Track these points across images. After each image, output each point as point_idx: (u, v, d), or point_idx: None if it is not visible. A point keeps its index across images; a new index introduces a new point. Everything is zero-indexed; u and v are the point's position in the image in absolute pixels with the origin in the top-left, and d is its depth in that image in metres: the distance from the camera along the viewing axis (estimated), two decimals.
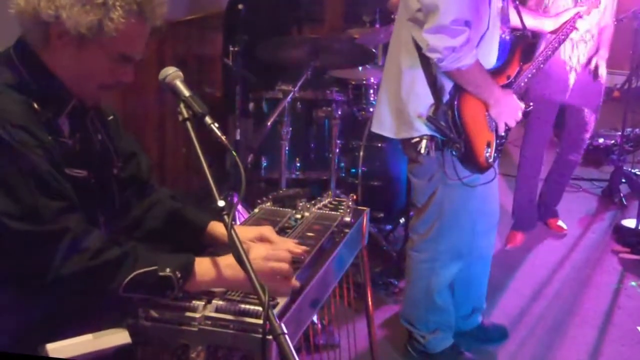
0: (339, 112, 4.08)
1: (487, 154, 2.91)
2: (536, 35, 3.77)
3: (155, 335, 1.66)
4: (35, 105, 1.67)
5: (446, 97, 2.82)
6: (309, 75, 3.90)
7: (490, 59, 2.93)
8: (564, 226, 4.76)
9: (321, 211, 2.28)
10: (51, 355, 1.53)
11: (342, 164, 4.22)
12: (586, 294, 3.97)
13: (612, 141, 6.17)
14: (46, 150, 1.64)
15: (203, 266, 1.71)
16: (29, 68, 1.71)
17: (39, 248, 1.58)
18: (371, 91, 4.45)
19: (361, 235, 2.37)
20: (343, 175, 4.22)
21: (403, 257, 4.00)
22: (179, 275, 1.65)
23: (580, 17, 3.45)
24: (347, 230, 2.21)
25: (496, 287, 3.98)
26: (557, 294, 3.96)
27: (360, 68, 4.69)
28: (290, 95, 3.85)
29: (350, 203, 2.33)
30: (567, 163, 4.63)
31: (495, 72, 2.95)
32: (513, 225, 4.59)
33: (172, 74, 1.77)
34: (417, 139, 2.88)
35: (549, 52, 3.25)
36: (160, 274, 1.63)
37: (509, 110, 2.94)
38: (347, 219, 2.24)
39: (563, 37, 3.37)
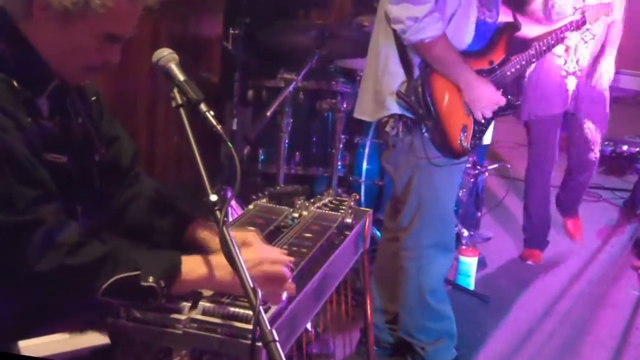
0: (344, 105, 4.08)
1: (462, 138, 2.93)
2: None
3: (137, 337, 1.65)
4: (15, 84, 1.66)
5: (416, 72, 2.88)
6: (314, 63, 3.90)
7: (463, 39, 2.96)
8: (579, 232, 4.71)
9: (320, 211, 2.28)
10: (23, 353, 1.53)
11: (346, 161, 4.22)
12: (602, 312, 3.98)
13: (637, 149, 6.17)
14: (24, 134, 1.62)
15: (190, 264, 1.70)
16: (9, 42, 1.69)
17: (10, 240, 1.56)
18: None
19: (363, 239, 2.36)
20: (346, 173, 4.22)
21: None
22: (162, 285, 1.63)
23: (583, 23, 3.55)
24: (347, 233, 2.21)
25: (504, 300, 3.99)
26: (570, 311, 3.96)
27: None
28: (293, 85, 3.85)
29: (352, 203, 2.33)
30: (578, 184, 4.59)
31: (474, 55, 2.99)
32: (528, 243, 4.59)
33: (166, 56, 1.76)
34: (386, 119, 2.94)
35: (543, 47, 3.29)
36: (143, 284, 1.61)
37: (482, 98, 2.96)
38: (348, 220, 2.24)
39: (559, 36, 3.41)
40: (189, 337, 1.62)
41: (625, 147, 6.20)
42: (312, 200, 2.33)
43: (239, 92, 4.16)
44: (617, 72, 4.39)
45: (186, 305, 1.65)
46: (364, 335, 3.14)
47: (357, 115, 3.12)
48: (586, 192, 4.87)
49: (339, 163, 4.11)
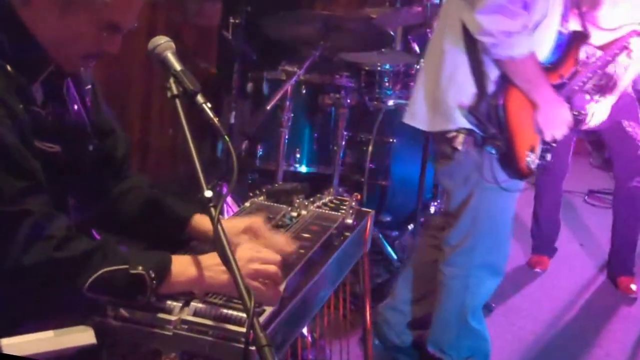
0: (348, 101, 4.08)
1: (529, 159, 2.88)
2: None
3: (124, 337, 1.65)
4: (9, 69, 1.66)
5: (491, 87, 2.79)
6: (317, 56, 3.89)
7: (543, 52, 2.88)
8: (634, 287, 4.42)
9: (320, 210, 2.28)
10: (5, 352, 1.53)
11: (348, 159, 4.22)
12: (611, 324, 3.98)
13: None
14: (16, 121, 1.63)
15: (180, 265, 1.70)
16: (5, 26, 1.70)
17: None
18: (386, 79, 4.44)
19: (363, 241, 2.36)
20: (348, 171, 4.22)
21: None
22: (152, 276, 1.63)
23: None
24: (347, 234, 2.21)
25: (510, 308, 3.99)
26: (578, 322, 3.96)
27: (375, 52, 4.69)
28: (295, 78, 3.84)
29: (353, 203, 2.33)
30: (630, 192, 4.31)
31: (548, 69, 2.90)
32: (536, 249, 4.59)
33: (163, 44, 1.76)
34: (454, 133, 2.85)
35: (608, 58, 3.24)
36: (132, 271, 1.62)
37: (557, 120, 2.90)
38: (349, 221, 2.24)
39: (622, 45, 3.37)
40: (178, 339, 1.62)
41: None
42: (311, 199, 2.33)
43: (238, 84, 4.16)
44: None
45: (177, 305, 1.65)
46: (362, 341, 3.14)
47: (407, 121, 3.04)
48: (597, 198, 4.83)
49: (341, 161, 4.11)
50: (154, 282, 1.64)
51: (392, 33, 4.44)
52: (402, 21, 4.97)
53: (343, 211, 2.28)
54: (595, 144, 4.25)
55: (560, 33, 2.94)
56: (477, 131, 2.82)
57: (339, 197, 2.42)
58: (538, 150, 2.93)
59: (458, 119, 2.82)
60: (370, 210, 2.41)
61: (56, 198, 1.70)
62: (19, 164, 1.62)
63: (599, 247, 4.81)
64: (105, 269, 1.62)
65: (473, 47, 2.76)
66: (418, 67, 4.51)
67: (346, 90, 4.11)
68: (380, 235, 4.16)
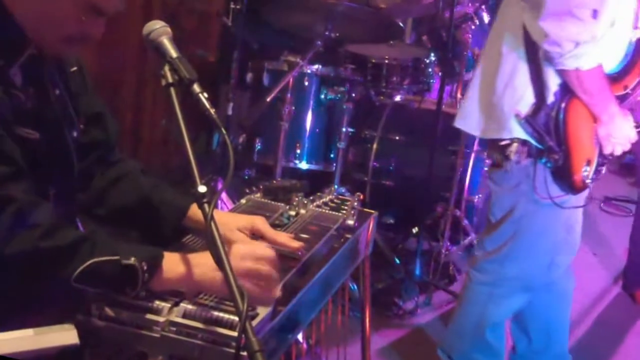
0: (353, 95, 4.08)
1: (585, 173, 2.84)
2: None
3: (109, 338, 1.65)
4: None
5: (551, 98, 2.76)
6: (322, 47, 3.89)
7: (610, 62, 2.84)
8: None
9: (320, 210, 2.28)
10: None
11: (351, 157, 4.22)
12: (626, 340, 3.97)
13: None
14: None
15: (170, 261, 1.70)
16: None
17: None
18: (394, 73, 4.44)
19: (365, 243, 2.37)
20: (350, 170, 4.22)
21: (412, 275, 4.02)
22: (145, 267, 1.63)
23: None
24: (348, 236, 2.21)
25: None
26: (590, 337, 3.95)
27: (383, 44, 4.69)
28: (297, 69, 3.84)
29: (355, 204, 2.33)
30: None
31: (612, 79, 2.85)
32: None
33: (158, 29, 1.76)
34: (507, 142, 2.84)
35: None
36: (124, 261, 1.62)
37: (619, 134, 2.87)
38: (350, 222, 2.24)
39: None
40: (166, 341, 1.62)
41: None
42: (311, 198, 2.33)
43: (237, 74, 4.16)
44: None
45: (165, 306, 1.65)
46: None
47: (459, 125, 3.04)
48: (613, 205, 4.81)
49: (343, 158, 4.11)
50: (146, 274, 1.64)
51: (401, 25, 4.44)
52: (412, 12, 4.97)
53: (344, 212, 2.28)
54: None
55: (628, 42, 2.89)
56: (533, 142, 2.80)
57: (341, 197, 2.42)
58: (594, 163, 2.89)
59: (513, 128, 2.81)
60: (372, 211, 2.41)
61: (36, 188, 1.70)
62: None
63: (614, 256, 4.80)
64: (95, 260, 1.62)
65: (534, 54, 2.74)
66: (428, 61, 4.52)
67: (351, 83, 4.11)
68: (383, 239, 4.16)
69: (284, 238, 1.96)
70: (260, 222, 1.99)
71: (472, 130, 2.98)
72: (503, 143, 2.85)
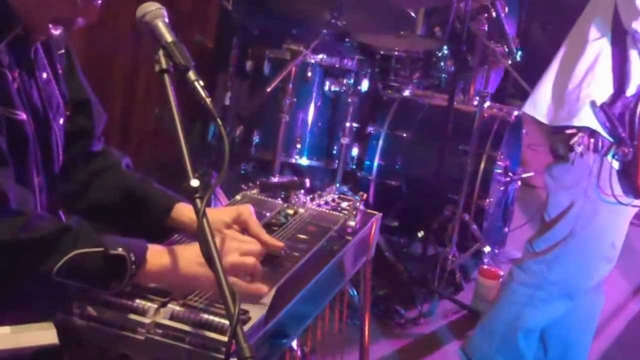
0: (359, 87, 4.08)
1: None
2: None
3: (90, 339, 1.65)
4: None
5: (632, 90, 2.79)
6: (327, 35, 3.89)
7: None
8: None
9: (320, 209, 2.28)
10: None
11: (354, 154, 4.22)
12: None
13: None
14: None
15: (154, 253, 1.69)
16: None
17: None
18: (403, 66, 4.44)
19: (367, 246, 2.37)
20: (354, 167, 4.23)
21: (417, 281, 4.01)
22: (132, 259, 1.63)
23: None
24: (349, 238, 2.20)
25: None
26: (607, 354, 3.94)
27: (393, 35, 4.69)
28: (300, 58, 3.85)
29: (358, 204, 2.33)
30: None
31: None
32: None
33: (153, 11, 1.76)
34: (574, 131, 2.87)
35: None
36: (112, 252, 1.61)
37: None
38: (352, 223, 2.24)
39: None
40: (151, 344, 1.62)
41: None
42: (311, 197, 2.33)
43: (236, 62, 4.16)
44: None
45: (152, 307, 1.65)
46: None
47: (527, 111, 3.08)
48: (636, 215, 4.78)
49: (347, 155, 4.11)
50: (134, 266, 1.63)
51: (413, 14, 4.44)
52: (425, 2, 4.97)
53: (346, 212, 2.28)
54: None
55: None
56: (603, 133, 2.82)
57: (342, 196, 2.42)
58: None
59: (584, 116, 2.83)
60: (376, 212, 2.41)
61: (21, 175, 1.70)
62: None
63: (635, 268, 4.80)
64: (78, 251, 1.61)
65: (621, 41, 2.77)
66: (440, 54, 4.52)
67: (357, 75, 4.11)
68: (386, 242, 4.16)
69: (266, 236, 1.95)
70: (246, 213, 1.98)
71: (540, 116, 3.00)
72: (570, 131, 2.87)
